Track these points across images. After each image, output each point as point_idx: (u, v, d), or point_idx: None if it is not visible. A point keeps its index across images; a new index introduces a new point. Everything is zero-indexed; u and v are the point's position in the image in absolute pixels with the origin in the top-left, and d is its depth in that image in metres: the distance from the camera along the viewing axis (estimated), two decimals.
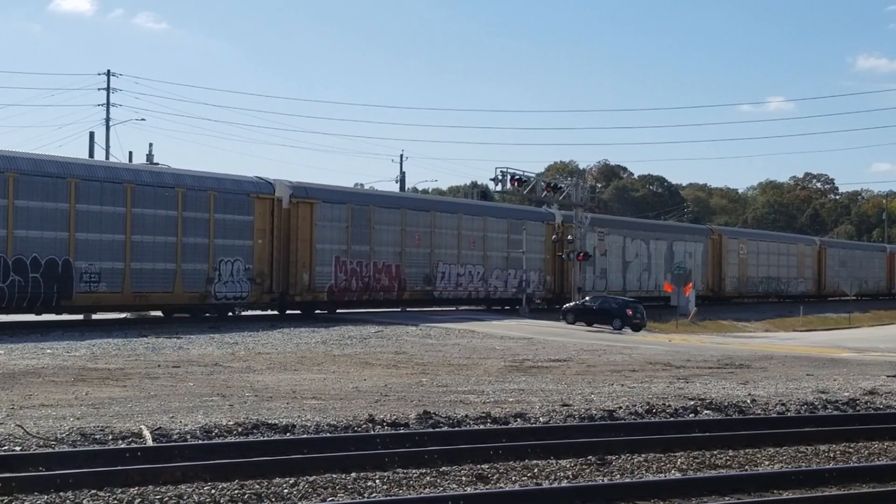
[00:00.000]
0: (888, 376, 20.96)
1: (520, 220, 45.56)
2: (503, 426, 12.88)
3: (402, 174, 70.90)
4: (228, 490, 9.08)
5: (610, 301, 39.45)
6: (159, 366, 19.86)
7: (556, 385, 17.99)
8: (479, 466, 10.38)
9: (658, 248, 55.17)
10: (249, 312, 35.90)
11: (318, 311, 36.61)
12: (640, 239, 53.85)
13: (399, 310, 41.19)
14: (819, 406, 15.73)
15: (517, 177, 42.06)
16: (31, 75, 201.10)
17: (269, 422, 12.53)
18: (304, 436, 11.77)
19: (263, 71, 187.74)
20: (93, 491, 8.89)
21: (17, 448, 10.69)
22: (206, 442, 11.26)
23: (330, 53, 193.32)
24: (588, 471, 10.47)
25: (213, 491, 9.04)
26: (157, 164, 41.50)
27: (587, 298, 40.85)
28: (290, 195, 35.19)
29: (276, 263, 34.31)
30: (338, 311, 37.93)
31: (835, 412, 15.25)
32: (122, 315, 34.36)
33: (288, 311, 36.49)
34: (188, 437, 11.56)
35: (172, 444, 10.98)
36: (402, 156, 74.98)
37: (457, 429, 12.49)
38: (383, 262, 38.78)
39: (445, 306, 43.39)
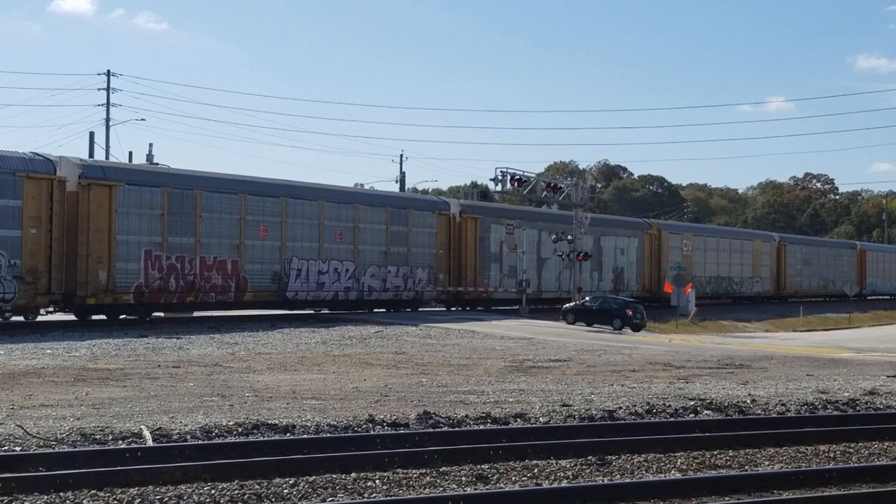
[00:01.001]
0: (888, 376, 20.95)
1: (402, 208, 39.98)
2: (503, 426, 12.88)
3: (402, 174, 70.98)
4: (228, 490, 9.08)
5: (610, 301, 39.46)
6: (159, 366, 19.86)
7: (556, 385, 17.99)
8: (479, 466, 10.38)
9: (584, 243, 47.59)
10: (43, 318, 31.57)
11: (123, 317, 31.50)
12: (560, 233, 46.52)
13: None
14: (819, 406, 15.73)
15: (517, 177, 42.05)
16: (31, 75, 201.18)
17: (270, 422, 12.52)
18: (305, 436, 11.77)
19: (263, 71, 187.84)
20: (93, 491, 8.89)
21: (17, 448, 10.69)
22: (206, 442, 11.25)
23: (330, 53, 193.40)
24: (588, 471, 10.47)
25: (213, 491, 9.04)
26: (157, 164, 41.48)
27: (587, 298, 40.85)
28: (80, 175, 29.46)
29: (56, 258, 28.56)
30: (154, 314, 33.02)
31: (835, 412, 15.24)
32: (122, 315, 34.24)
33: (93, 317, 31.30)
34: (188, 437, 11.56)
35: (172, 444, 10.98)
36: (401, 156, 75.11)
37: (457, 429, 12.48)
38: (215, 257, 32.79)
39: (302, 310, 37.60)
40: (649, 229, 55.41)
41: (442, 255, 41.65)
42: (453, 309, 43.60)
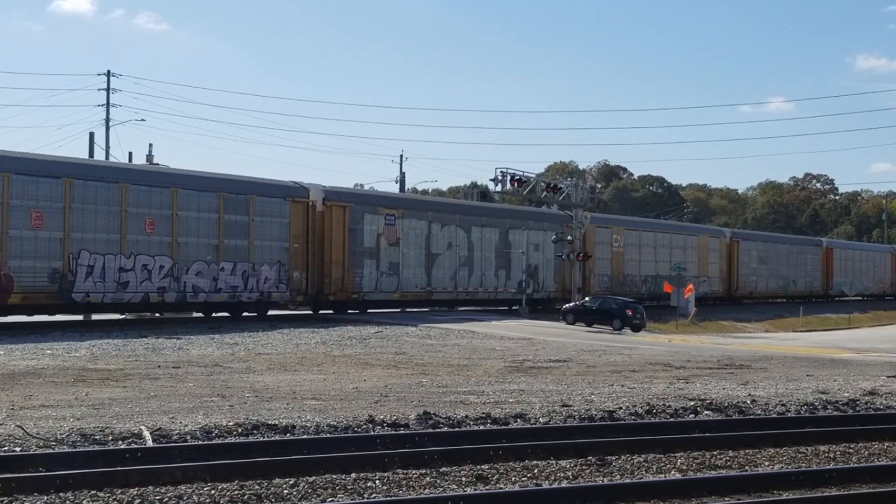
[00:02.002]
0: (888, 377, 20.95)
1: (241, 193, 33.76)
2: (503, 427, 12.88)
3: (402, 174, 70.94)
4: (228, 490, 9.08)
5: (610, 301, 39.47)
6: (159, 366, 19.86)
7: (556, 386, 17.99)
8: (479, 467, 10.38)
9: (486, 237, 43.84)
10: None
11: None
12: (457, 225, 42.51)
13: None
14: (819, 406, 15.73)
15: (517, 177, 42.06)
16: (31, 75, 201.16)
17: (270, 422, 12.52)
18: (304, 436, 11.77)
19: (263, 71, 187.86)
20: (93, 491, 8.89)
21: (17, 449, 10.69)
22: (206, 442, 11.25)
23: (330, 53, 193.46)
24: (588, 471, 10.47)
25: (213, 491, 9.04)
26: (157, 164, 41.48)
27: (587, 299, 40.87)
28: None
29: None
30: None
31: (835, 413, 15.24)
32: (122, 315, 34.28)
33: None
34: (188, 437, 11.56)
35: (172, 444, 10.98)
36: (401, 156, 75.05)
37: (457, 429, 12.48)
38: None
39: (100, 313, 33.04)
40: (570, 222, 48.06)
41: (298, 249, 35.37)
42: (322, 312, 37.37)
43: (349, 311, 37.88)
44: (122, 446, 10.86)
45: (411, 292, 40.24)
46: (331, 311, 37.44)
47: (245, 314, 34.39)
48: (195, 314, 35.17)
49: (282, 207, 35.15)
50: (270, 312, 35.61)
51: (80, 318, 32.73)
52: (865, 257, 78.63)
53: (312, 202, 36.36)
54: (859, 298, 70.49)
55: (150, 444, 11.03)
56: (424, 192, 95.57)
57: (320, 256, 36.52)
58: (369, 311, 38.90)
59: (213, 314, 34.10)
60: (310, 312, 37.55)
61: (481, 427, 12.79)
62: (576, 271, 44.16)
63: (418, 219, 40.90)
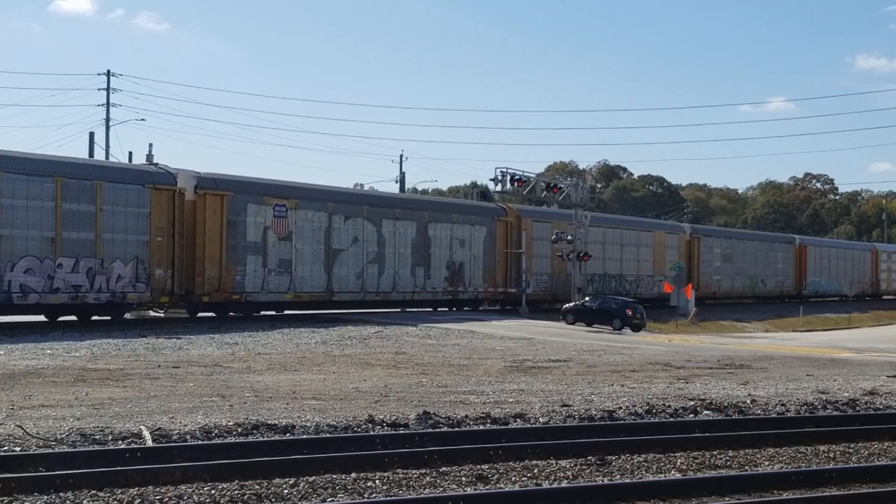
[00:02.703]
0: (888, 376, 20.95)
1: (86, 179, 29.54)
2: (503, 426, 12.88)
3: (402, 174, 70.94)
4: (228, 490, 9.08)
5: (610, 301, 39.49)
6: (159, 366, 19.86)
7: (556, 385, 17.99)
8: (479, 467, 10.38)
9: (401, 231, 39.20)
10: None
11: None
12: (364, 218, 38.11)
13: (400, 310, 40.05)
14: (819, 406, 15.73)
15: (517, 177, 42.04)
16: (31, 75, 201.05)
17: (269, 422, 12.52)
18: (304, 436, 11.77)
19: (263, 71, 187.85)
20: (93, 491, 8.89)
21: (17, 448, 10.69)
22: (206, 442, 11.25)
23: (330, 53, 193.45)
24: (588, 471, 10.47)
25: (212, 491, 9.04)
26: (157, 164, 41.44)
27: (587, 298, 40.87)
28: None
29: None
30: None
31: (835, 412, 15.25)
32: (125, 315, 34.21)
33: None
34: (188, 437, 11.56)
35: (172, 444, 10.98)
36: (401, 156, 74.97)
37: (457, 429, 12.48)
38: None
39: None
40: (503, 216, 44.81)
41: (161, 243, 31.07)
42: (201, 315, 33.97)
43: (230, 314, 33.91)
44: (122, 446, 10.86)
45: (307, 293, 35.69)
46: (212, 314, 33.78)
47: (95, 318, 30.41)
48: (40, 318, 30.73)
49: (140, 195, 30.61)
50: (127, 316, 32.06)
51: (73, 318, 32.59)
52: (843, 256, 75.10)
53: (181, 190, 31.83)
54: (835, 299, 68.07)
55: (150, 443, 11.03)
56: (424, 191, 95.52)
57: (191, 252, 32.10)
58: (264, 313, 35.24)
59: (61, 318, 30.41)
60: (184, 316, 33.80)
61: (481, 427, 12.79)
62: (575, 271, 44.12)
63: (316, 210, 36.20)
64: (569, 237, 43.78)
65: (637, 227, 54.70)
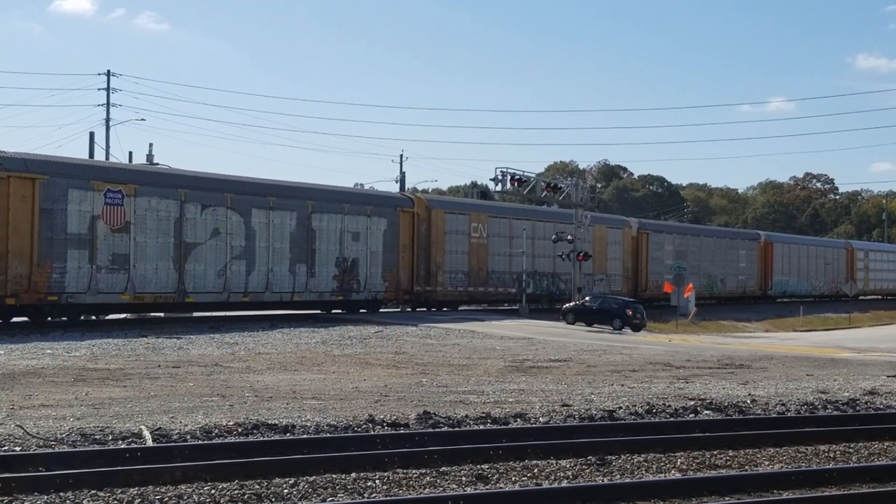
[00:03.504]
0: (888, 376, 20.95)
1: None
2: (503, 426, 12.88)
3: (402, 174, 70.93)
4: (228, 490, 9.08)
5: (610, 301, 39.50)
6: (159, 366, 19.86)
7: (556, 385, 17.99)
8: (479, 466, 10.38)
9: (276, 223, 34.20)
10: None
11: None
12: (228, 207, 32.91)
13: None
14: (819, 406, 15.73)
15: (517, 177, 42.03)
16: (31, 75, 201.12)
17: (269, 422, 12.52)
18: (304, 436, 11.77)
19: (263, 71, 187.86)
20: (93, 491, 8.89)
21: (17, 448, 10.69)
22: (206, 442, 11.25)
23: (330, 53, 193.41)
24: (588, 471, 10.46)
25: (213, 491, 9.04)
26: (157, 164, 41.48)
27: (587, 298, 40.87)
28: None
29: None
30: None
31: (835, 412, 15.25)
32: (122, 315, 34.25)
33: None
34: (188, 437, 11.56)
35: (172, 444, 10.98)
36: (401, 156, 75.10)
37: (457, 429, 12.48)
38: None
39: None
40: (408, 206, 40.26)
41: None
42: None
43: (61, 318, 29.50)
44: (122, 446, 10.86)
45: (150, 294, 30.77)
46: (25, 319, 29.15)
47: None
48: None
49: None
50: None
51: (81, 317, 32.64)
52: (815, 254, 70.69)
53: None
54: (810, 300, 64.72)
55: (150, 443, 11.03)
56: (424, 191, 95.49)
57: (50, 246, 28.18)
58: (83, 318, 30.75)
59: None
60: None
61: (481, 427, 12.79)
62: (575, 271, 44.12)
63: (163, 197, 31.05)
64: (480, 229, 42.06)
65: (572, 221, 47.64)
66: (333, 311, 37.61)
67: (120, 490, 8.95)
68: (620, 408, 14.72)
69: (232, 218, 33.06)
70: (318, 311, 37.04)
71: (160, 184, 31.47)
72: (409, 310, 42.07)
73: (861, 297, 69.41)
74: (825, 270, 70.89)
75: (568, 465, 10.65)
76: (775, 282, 64.76)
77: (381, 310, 39.74)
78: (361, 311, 38.01)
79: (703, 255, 57.76)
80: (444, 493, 9.21)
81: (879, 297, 75.54)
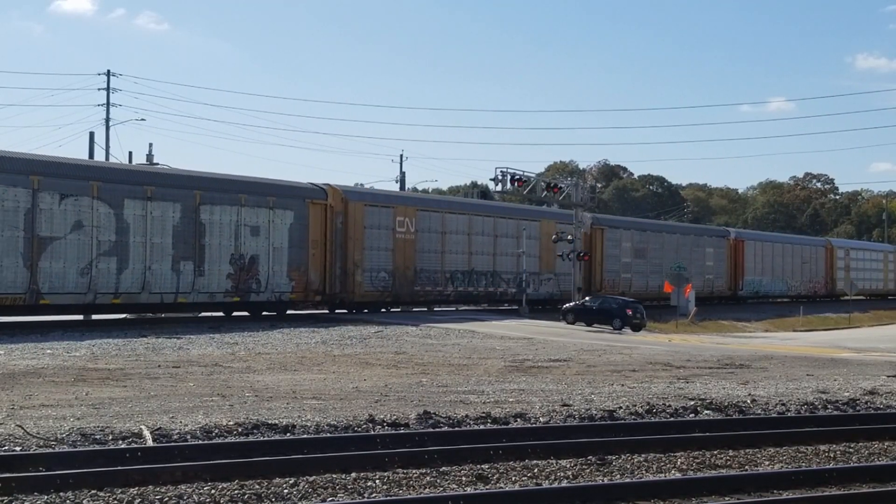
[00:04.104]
0: (888, 376, 20.95)
1: None
2: (503, 426, 12.88)
3: (402, 174, 70.89)
4: (228, 490, 9.08)
5: (610, 301, 39.53)
6: (159, 366, 19.87)
7: (556, 385, 17.99)
8: (479, 466, 10.38)
9: (156, 214, 30.60)
10: None
11: None
12: (94, 197, 29.26)
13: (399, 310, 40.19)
14: (819, 406, 15.73)
15: (517, 177, 42.04)
16: (31, 75, 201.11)
17: (270, 422, 12.52)
18: (305, 436, 11.77)
19: (264, 71, 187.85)
20: (93, 491, 8.89)
21: (17, 448, 10.69)
22: (206, 442, 11.25)
23: (330, 53, 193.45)
24: (588, 471, 10.46)
25: (213, 491, 9.04)
26: (157, 164, 41.47)
27: (587, 298, 40.90)
28: None
29: None
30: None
31: (835, 412, 15.25)
32: (122, 315, 34.25)
33: None
34: (188, 437, 11.56)
35: (172, 444, 10.98)
36: (401, 156, 75.03)
37: (457, 429, 12.48)
38: None
39: None
40: (321, 198, 35.94)
41: None
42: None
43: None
44: (123, 446, 10.86)
45: None
46: None
47: None
48: None
49: None
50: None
51: (80, 317, 32.70)
52: (791, 252, 67.09)
53: None
54: (785, 301, 62.13)
55: (150, 443, 11.03)
56: (424, 191, 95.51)
57: None
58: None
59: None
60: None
61: (481, 426, 12.79)
62: (576, 271, 44.13)
63: (9, 185, 27.30)
64: (407, 224, 38.78)
65: (517, 216, 45.72)
66: (235, 313, 34.32)
67: (120, 490, 8.95)
68: (620, 408, 14.72)
69: (99, 209, 29.32)
70: (218, 315, 34.39)
71: (5, 169, 27.46)
72: (325, 311, 38.00)
73: (843, 298, 66.38)
74: (802, 270, 68.02)
75: (568, 465, 10.65)
76: (746, 282, 61.32)
77: (288, 312, 35.67)
78: (264, 313, 34.73)
79: (666, 252, 53.65)
80: (444, 493, 9.21)
81: (863, 297, 70.51)
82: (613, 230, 51.49)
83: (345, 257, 36.74)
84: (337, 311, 37.92)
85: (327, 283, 36.09)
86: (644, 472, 10.57)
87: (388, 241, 38.66)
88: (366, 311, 38.29)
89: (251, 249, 33.48)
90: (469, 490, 9.44)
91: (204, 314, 34.61)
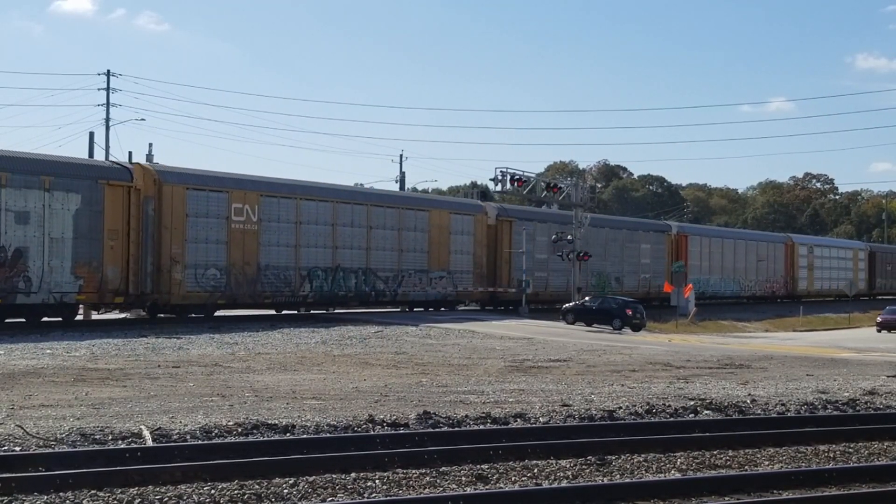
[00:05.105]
0: (888, 376, 20.96)
1: None
2: (503, 426, 12.88)
3: (402, 174, 70.85)
4: (228, 490, 9.08)
5: (610, 301, 39.56)
6: (159, 366, 19.87)
7: (556, 385, 17.99)
8: (479, 466, 10.38)
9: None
10: None
11: None
12: None
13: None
14: (819, 406, 15.74)
15: (517, 177, 42.05)
16: (31, 75, 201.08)
17: (269, 422, 12.52)
18: (304, 436, 11.77)
19: (264, 71, 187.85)
20: (93, 491, 8.89)
21: (17, 448, 10.69)
22: (206, 442, 11.25)
23: (330, 53, 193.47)
24: (588, 471, 10.46)
25: (212, 491, 9.04)
26: (157, 163, 41.45)
27: (587, 298, 40.91)
28: None
29: None
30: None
31: (835, 412, 15.25)
32: (122, 315, 34.26)
33: None
34: (188, 437, 11.56)
35: (172, 444, 10.98)
36: (401, 156, 74.97)
37: (457, 429, 12.48)
38: None
39: None
40: (121, 179, 30.17)
41: None
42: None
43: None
44: (122, 446, 10.86)
45: None
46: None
47: None
48: None
49: None
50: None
51: (80, 317, 32.71)
52: (743, 248, 61.74)
53: None
54: (734, 301, 58.51)
55: (150, 443, 11.03)
56: (424, 191, 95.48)
57: None
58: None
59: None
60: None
61: (481, 427, 12.79)
62: (575, 271, 44.12)
63: None
64: (247, 212, 32.93)
65: (399, 205, 39.92)
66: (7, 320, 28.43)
67: (120, 490, 8.95)
68: (620, 408, 14.72)
69: None
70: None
71: None
72: (141, 315, 33.34)
73: (805, 300, 63.75)
74: (757, 268, 62.85)
75: (568, 465, 10.64)
76: (690, 280, 54.40)
77: (78, 318, 30.86)
78: (45, 319, 29.28)
79: (591, 248, 47.10)
80: (444, 493, 9.21)
81: (830, 298, 67.02)
82: (524, 223, 45.39)
83: (158, 251, 30.98)
84: (159, 315, 32.77)
85: (132, 281, 30.19)
86: (644, 472, 10.57)
87: (220, 231, 32.60)
88: (192, 315, 32.73)
89: (15, 241, 27.60)
90: (469, 490, 9.44)
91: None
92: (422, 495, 9.19)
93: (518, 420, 13.43)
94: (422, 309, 41.08)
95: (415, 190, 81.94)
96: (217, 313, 33.58)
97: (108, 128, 57.11)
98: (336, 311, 38.11)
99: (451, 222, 41.68)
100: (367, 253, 37.64)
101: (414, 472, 10.04)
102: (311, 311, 35.03)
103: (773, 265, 64.82)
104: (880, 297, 65.83)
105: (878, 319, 46.53)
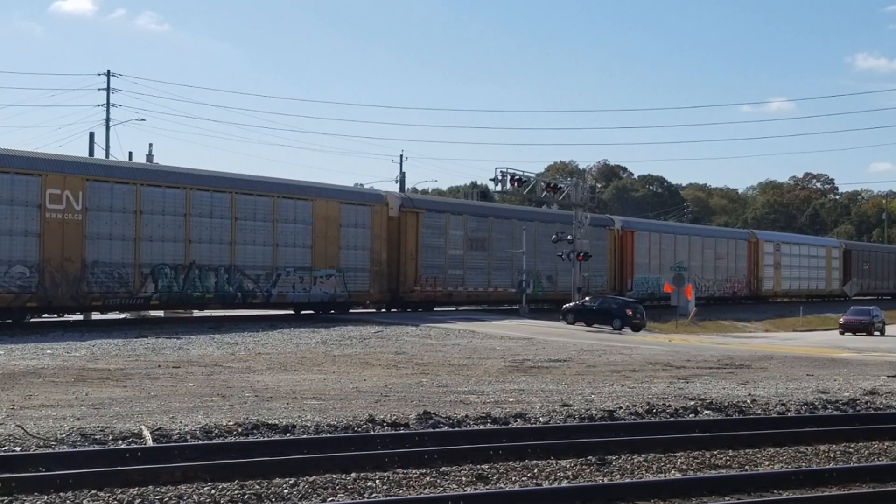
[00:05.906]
0: (888, 376, 20.96)
1: None
2: (503, 426, 12.88)
3: (402, 174, 70.83)
4: (228, 490, 9.08)
5: (610, 301, 39.58)
6: (159, 366, 19.87)
7: (556, 385, 17.99)
8: (479, 466, 10.38)
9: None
10: None
11: None
12: None
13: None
14: (819, 406, 15.74)
15: (517, 177, 42.04)
16: (31, 75, 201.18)
17: (270, 422, 12.52)
18: (305, 436, 11.77)
19: (264, 71, 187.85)
20: (93, 491, 8.88)
21: (17, 448, 10.69)
22: (206, 442, 11.25)
23: (330, 53, 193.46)
24: (588, 471, 10.46)
25: (213, 491, 9.04)
26: (157, 163, 41.49)
27: (587, 298, 40.91)
28: None
29: None
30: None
31: (835, 412, 15.25)
32: (122, 315, 34.26)
33: None
34: (188, 437, 11.56)
35: (172, 444, 10.98)
36: (401, 156, 74.92)
37: (457, 429, 12.48)
38: None
39: None
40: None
41: None
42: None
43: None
44: (122, 446, 10.86)
45: None
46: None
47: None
48: None
49: None
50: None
51: (80, 317, 32.74)
52: (699, 245, 57.39)
53: None
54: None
55: (150, 443, 11.03)
56: (424, 191, 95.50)
57: None
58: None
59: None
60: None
61: (481, 427, 12.79)
62: (576, 271, 44.11)
63: None
64: (68, 199, 27.80)
65: (275, 193, 34.69)
66: None
67: (120, 490, 8.95)
68: (620, 408, 14.72)
69: None
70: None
71: None
72: None
73: (770, 301, 60.15)
74: (716, 267, 58.60)
75: (568, 465, 10.64)
76: (637, 280, 51.90)
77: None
78: None
79: (517, 244, 43.65)
80: (444, 493, 9.21)
81: (802, 298, 63.36)
82: (433, 214, 41.34)
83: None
84: None
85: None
86: (644, 472, 10.57)
87: (30, 222, 27.82)
88: None
89: None
90: (469, 490, 9.44)
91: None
92: (422, 495, 9.19)
93: (518, 420, 13.43)
94: (312, 311, 36.41)
95: (415, 190, 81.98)
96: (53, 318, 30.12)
97: (108, 128, 57.08)
98: (194, 314, 35.06)
99: (342, 213, 36.82)
100: (233, 248, 32.91)
101: (414, 472, 10.04)
102: (162, 315, 31.27)
103: (735, 264, 60.86)
104: (856, 298, 59.08)
105: (841, 321, 43.83)
